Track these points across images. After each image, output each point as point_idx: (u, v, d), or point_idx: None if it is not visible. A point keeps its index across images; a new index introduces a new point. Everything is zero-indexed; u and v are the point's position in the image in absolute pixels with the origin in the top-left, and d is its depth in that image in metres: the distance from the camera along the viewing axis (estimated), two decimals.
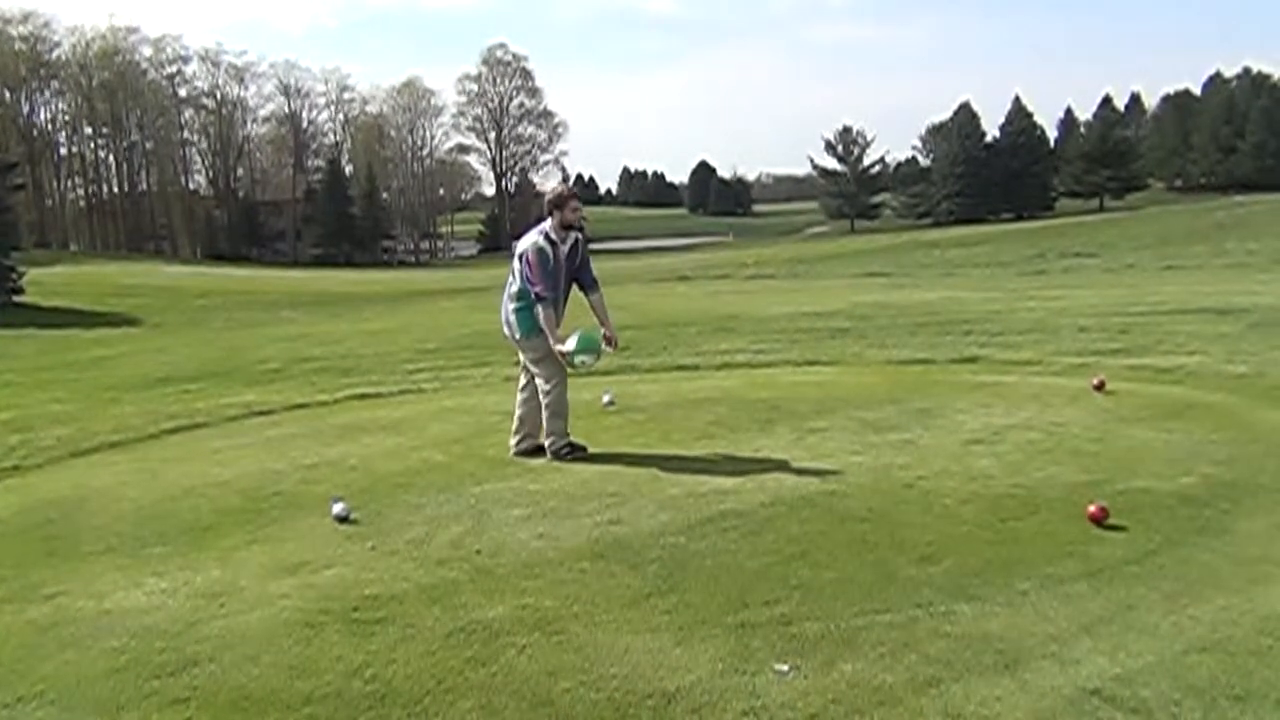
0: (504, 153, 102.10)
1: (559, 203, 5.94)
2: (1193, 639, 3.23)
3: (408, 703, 3.08)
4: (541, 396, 6.01)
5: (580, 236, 6.07)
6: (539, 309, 5.83)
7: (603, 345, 6.01)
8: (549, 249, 5.85)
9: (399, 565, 4.31)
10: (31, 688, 3.32)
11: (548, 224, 5.95)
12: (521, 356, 6.17)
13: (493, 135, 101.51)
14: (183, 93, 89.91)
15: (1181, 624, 3.35)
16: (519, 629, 3.58)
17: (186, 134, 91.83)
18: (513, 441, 6.20)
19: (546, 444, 6.00)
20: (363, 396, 9.05)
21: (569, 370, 6.01)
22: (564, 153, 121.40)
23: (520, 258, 5.90)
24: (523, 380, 6.24)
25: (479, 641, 3.49)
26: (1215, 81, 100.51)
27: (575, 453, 5.95)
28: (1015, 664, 3.12)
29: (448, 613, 3.75)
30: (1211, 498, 4.65)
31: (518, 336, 6.03)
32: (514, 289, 5.99)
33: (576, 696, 3.07)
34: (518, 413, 6.22)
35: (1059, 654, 3.17)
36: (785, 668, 3.17)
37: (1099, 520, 4.31)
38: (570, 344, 5.80)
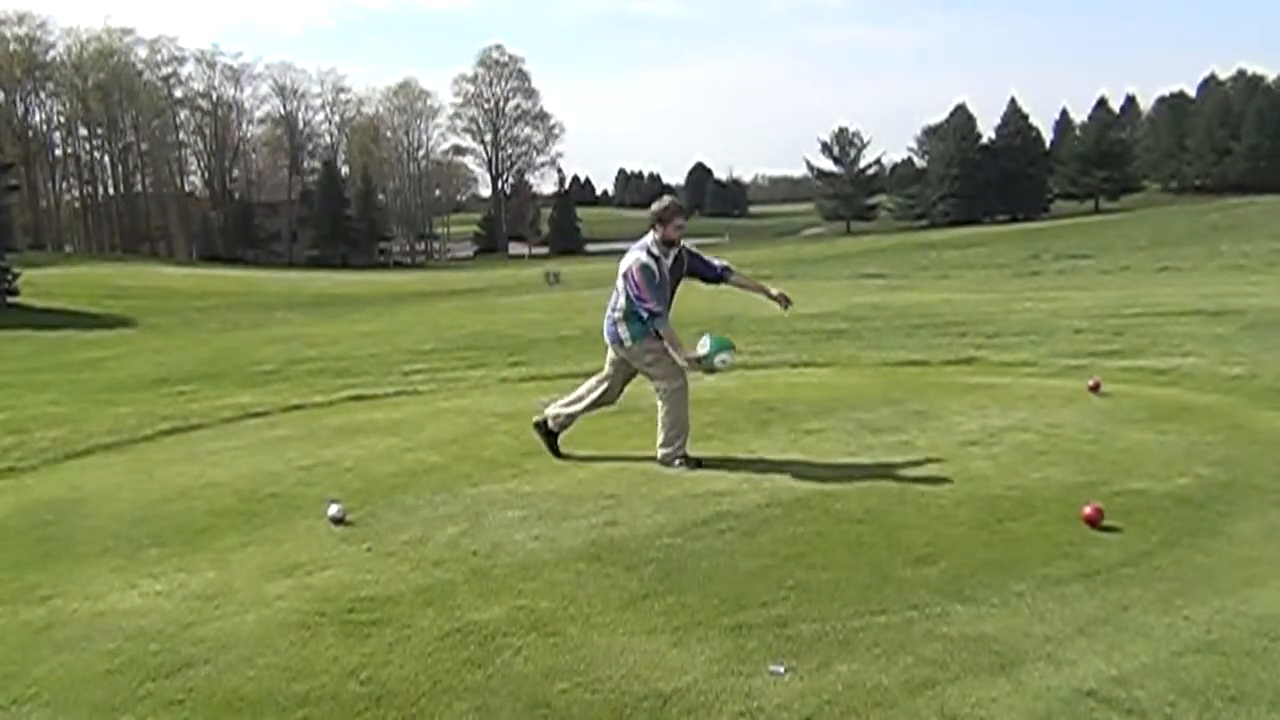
0: (500, 154, 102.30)
1: (664, 218, 5.71)
2: (1188, 640, 3.24)
3: (403, 704, 3.08)
4: (661, 403, 5.79)
5: (683, 249, 5.88)
6: (654, 324, 5.69)
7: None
8: (653, 264, 5.69)
9: (395, 567, 4.30)
10: (26, 690, 3.31)
11: (649, 238, 5.78)
12: (609, 358, 6.01)
13: (489, 136, 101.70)
14: (178, 94, 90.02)
15: (1177, 625, 3.35)
16: (515, 630, 3.57)
17: (182, 135, 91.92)
18: (557, 408, 6.10)
19: (660, 455, 5.77)
20: (359, 398, 9.04)
21: (711, 374, 5.84)
22: (560, 154, 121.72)
23: (625, 276, 5.74)
24: (597, 380, 6.10)
25: (475, 643, 3.49)
26: (1210, 83, 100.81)
27: (686, 463, 5.73)
28: (1011, 665, 3.12)
29: (443, 614, 3.75)
30: (1207, 499, 4.66)
31: (629, 344, 5.80)
32: (620, 304, 5.81)
33: (573, 698, 3.07)
34: (582, 394, 6.08)
35: (1054, 655, 3.17)
36: (781, 669, 3.17)
37: (1094, 522, 4.31)
38: (704, 347, 5.67)
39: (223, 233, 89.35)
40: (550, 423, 6.13)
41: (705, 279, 6.04)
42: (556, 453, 6.10)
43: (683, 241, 5.88)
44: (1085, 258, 28.15)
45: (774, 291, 6.08)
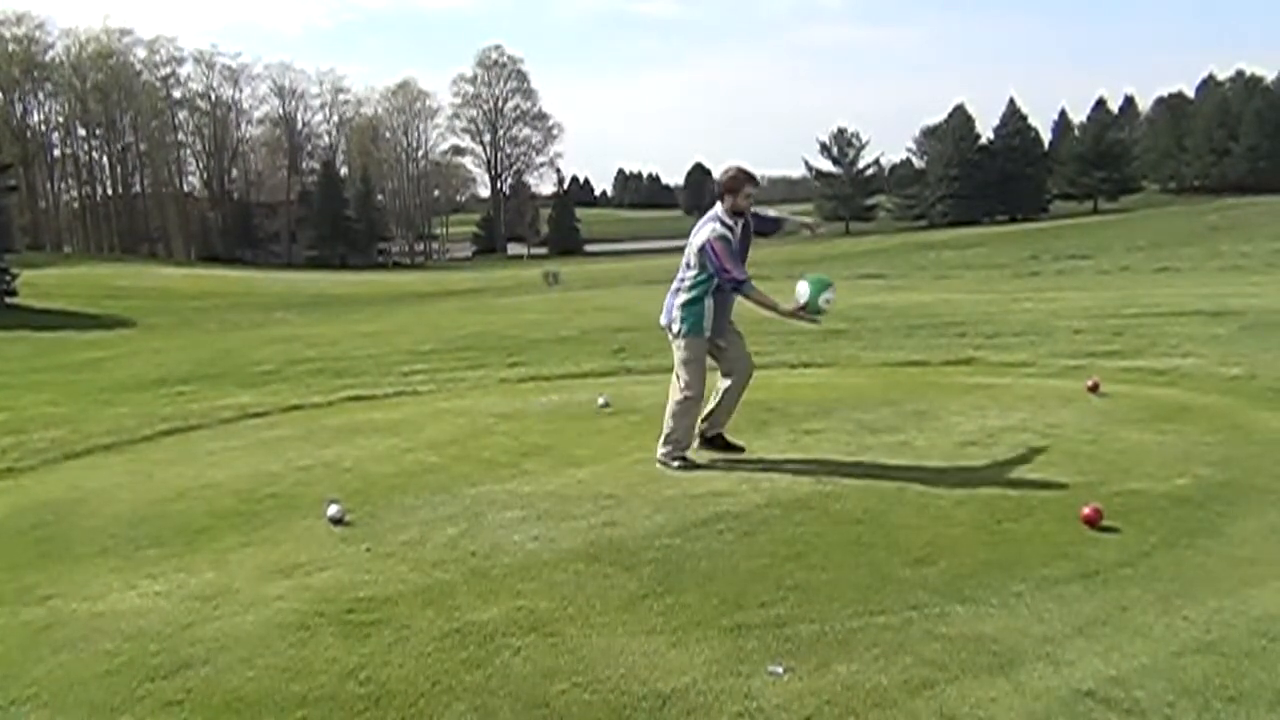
0: (499, 154, 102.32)
1: (733, 187, 5.56)
2: (1186, 640, 3.24)
3: (402, 705, 3.08)
4: (673, 402, 5.71)
5: (748, 219, 5.69)
6: (744, 290, 5.50)
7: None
8: (729, 234, 5.52)
9: (394, 567, 4.30)
10: (25, 690, 3.31)
11: (719, 209, 5.60)
12: (676, 353, 5.79)
13: (488, 137, 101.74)
14: (177, 94, 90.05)
15: (1175, 625, 3.35)
16: (514, 631, 3.57)
17: (181, 136, 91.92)
18: (705, 417, 5.90)
19: (661, 451, 5.73)
20: (358, 398, 9.04)
21: (815, 320, 5.69)
22: (559, 154, 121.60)
23: (703, 250, 5.52)
24: (721, 375, 5.88)
25: (474, 643, 3.49)
26: (1209, 84, 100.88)
27: (685, 466, 5.68)
28: (1010, 665, 3.12)
29: (442, 615, 3.75)
30: (1205, 499, 4.66)
31: (675, 330, 5.69)
32: (687, 282, 5.65)
33: (571, 698, 3.07)
34: (719, 387, 5.87)
35: (1053, 655, 3.18)
36: (780, 669, 3.17)
37: (1093, 522, 4.31)
38: (803, 295, 5.53)
39: (221, 233, 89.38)
40: (708, 430, 5.88)
41: (764, 234, 5.96)
42: (738, 448, 5.90)
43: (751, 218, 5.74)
44: (1084, 258, 28.14)
45: (807, 220, 6.26)
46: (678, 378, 5.77)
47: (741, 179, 5.61)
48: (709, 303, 5.64)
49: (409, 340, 14.50)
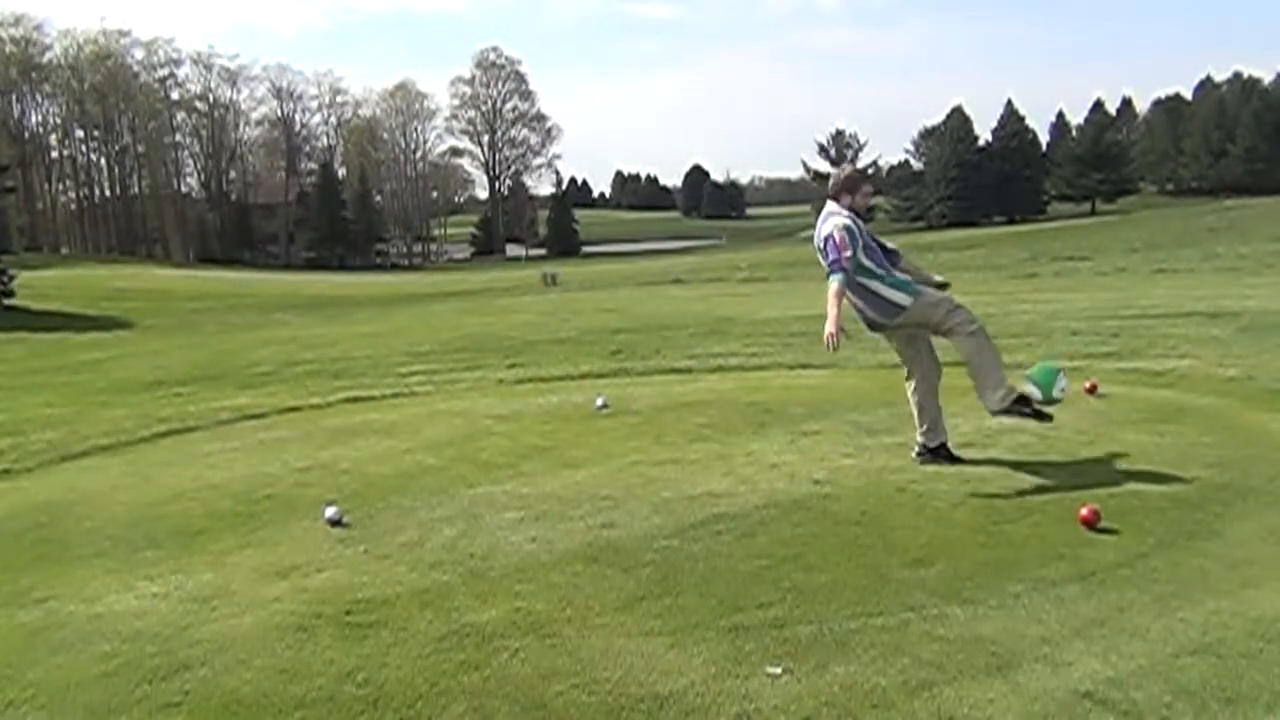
0: (497, 156, 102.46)
1: (850, 187, 5.35)
2: (1184, 642, 3.24)
3: (400, 706, 3.08)
4: (966, 349, 5.26)
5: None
6: (833, 276, 5.13)
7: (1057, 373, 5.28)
8: (854, 225, 5.20)
9: (391, 569, 4.30)
10: (21, 692, 3.30)
11: (835, 207, 5.33)
12: (897, 348, 5.52)
13: (486, 138, 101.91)
14: (175, 96, 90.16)
15: (1173, 627, 3.35)
16: (512, 632, 3.57)
17: (178, 137, 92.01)
18: (919, 439, 5.56)
19: (997, 396, 5.21)
20: (355, 400, 9.04)
21: (1046, 403, 5.22)
22: (557, 156, 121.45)
23: (827, 239, 5.19)
24: (908, 380, 5.60)
25: (472, 645, 3.49)
26: (1206, 86, 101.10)
27: (1025, 412, 5.24)
28: (1007, 667, 3.12)
29: (440, 616, 3.74)
30: (1203, 501, 4.66)
31: (907, 306, 5.27)
32: (871, 276, 5.27)
33: (569, 700, 3.06)
34: (914, 402, 5.53)
35: (1051, 656, 3.18)
36: (778, 670, 3.17)
37: (1091, 523, 4.31)
38: (1036, 393, 5.22)
39: (219, 234, 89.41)
40: (944, 452, 5.48)
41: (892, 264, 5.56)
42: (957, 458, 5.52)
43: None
44: (1082, 260, 28.14)
45: (938, 279, 5.74)
46: (952, 333, 5.30)
47: (858, 178, 5.49)
48: (884, 285, 5.29)
49: (407, 341, 14.51)
